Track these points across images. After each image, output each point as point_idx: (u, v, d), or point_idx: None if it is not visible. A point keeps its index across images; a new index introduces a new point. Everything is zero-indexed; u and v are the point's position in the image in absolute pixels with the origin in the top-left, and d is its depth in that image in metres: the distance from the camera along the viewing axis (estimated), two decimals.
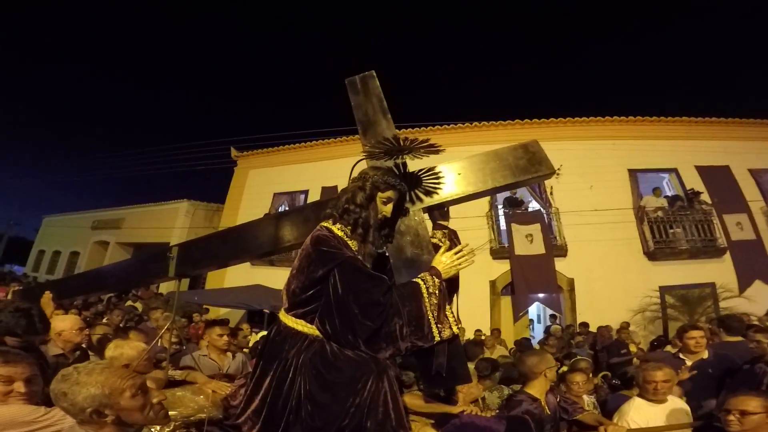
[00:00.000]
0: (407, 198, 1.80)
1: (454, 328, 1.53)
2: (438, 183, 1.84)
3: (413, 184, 1.82)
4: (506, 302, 10.22)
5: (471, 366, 3.33)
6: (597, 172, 10.46)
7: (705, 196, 10.45)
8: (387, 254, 1.77)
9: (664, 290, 9.77)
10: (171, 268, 2.01)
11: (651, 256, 10.07)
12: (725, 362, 3.29)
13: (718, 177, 10.68)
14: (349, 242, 1.62)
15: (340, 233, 1.62)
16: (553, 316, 10.19)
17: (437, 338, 1.48)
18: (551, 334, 7.89)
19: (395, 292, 1.51)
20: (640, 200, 10.56)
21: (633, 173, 10.80)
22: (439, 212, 1.92)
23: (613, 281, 9.76)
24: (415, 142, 1.66)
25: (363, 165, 1.86)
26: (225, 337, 2.93)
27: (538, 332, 11.29)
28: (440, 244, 1.79)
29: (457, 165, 1.88)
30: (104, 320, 4.90)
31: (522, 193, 10.93)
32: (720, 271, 9.78)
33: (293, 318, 1.58)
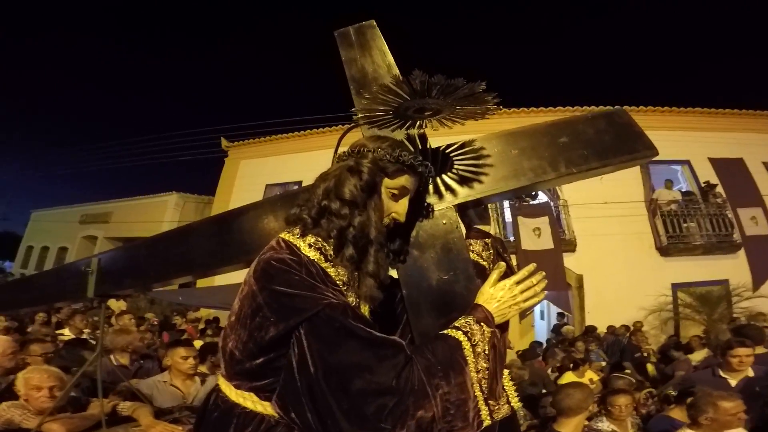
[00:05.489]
0: (430, 189, 1.15)
1: (514, 402, 0.97)
2: (480, 165, 1.18)
3: (441, 166, 1.17)
4: None
5: None
6: None
7: (719, 189, 10.01)
8: (394, 278, 1.11)
9: (675, 288, 9.35)
10: (90, 286, 1.46)
11: (663, 251, 9.61)
12: None
13: (731, 170, 10.23)
14: (330, 270, 0.95)
15: (312, 254, 0.95)
16: (561, 315, 9.74)
17: (487, 422, 0.92)
18: (564, 335, 7.39)
19: (417, 362, 0.87)
20: (652, 193, 10.08)
21: (645, 165, 10.28)
22: (476, 211, 1.26)
23: (623, 278, 9.30)
24: (458, 88, 0.96)
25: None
26: (191, 360, 2.40)
27: (540, 330, 10.87)
28: (482, 263, 1.16)
29: (509, 137, 1.23)
30: (65, 329, 4.35)
31: None
32: (734, 268, 9.37)
33: (238, 390, 0.96)
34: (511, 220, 9.82)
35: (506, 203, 10.12)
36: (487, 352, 0.93)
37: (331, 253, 0.97)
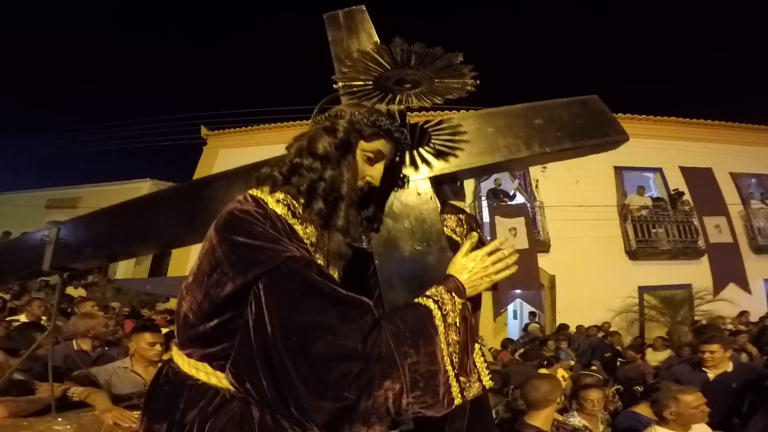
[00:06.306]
0: (406, 160, 1.16)
1: (486, 380, 0.93)
2: (456, 141, 1.19)
3: (418, 140, 1.18)
4: (486, 297, 9.87)
5: None
6: (583, 167, 10.15)
7: (687, 197, 10.41)
8: (368, 250, 1.12)
9: (642, 290, 9.69)
10: (46, 257, 1.37)
11: (632, 255, 9.94)
12: (749, 374, 2.99)
13: (700, 179, 10.66)
14: (297, 227, 0.91)
15: (279, 209, 0.90)
16: (533, 314, 9.94)
17: (458, 401, 0.86)
18: (531, 333, 7.54)
19: (386, 327, 0.83)
20: (624, 198, 10.40)
21: (619, 171, 10.62)
22: (451, 187, 1.27)
23: (594, 279, 9.56)
24: (437, 58, 0.96)
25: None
26: (157, 347, 2.31)
27: (512, 329, 11.06)
28: (456, 238, 1.16)
29: (485, 116, 1.24)
30: (21, 315, 4.14)
31: (506, 185, 10.59)
32: (697, 273, 9.76)
33: (190, 360, 0.89)
34: (488, 219, 9.96)
35: (485, 203, 10.25)
36: (458, 324, 0.90)
37: (300, 211, 0.93)
